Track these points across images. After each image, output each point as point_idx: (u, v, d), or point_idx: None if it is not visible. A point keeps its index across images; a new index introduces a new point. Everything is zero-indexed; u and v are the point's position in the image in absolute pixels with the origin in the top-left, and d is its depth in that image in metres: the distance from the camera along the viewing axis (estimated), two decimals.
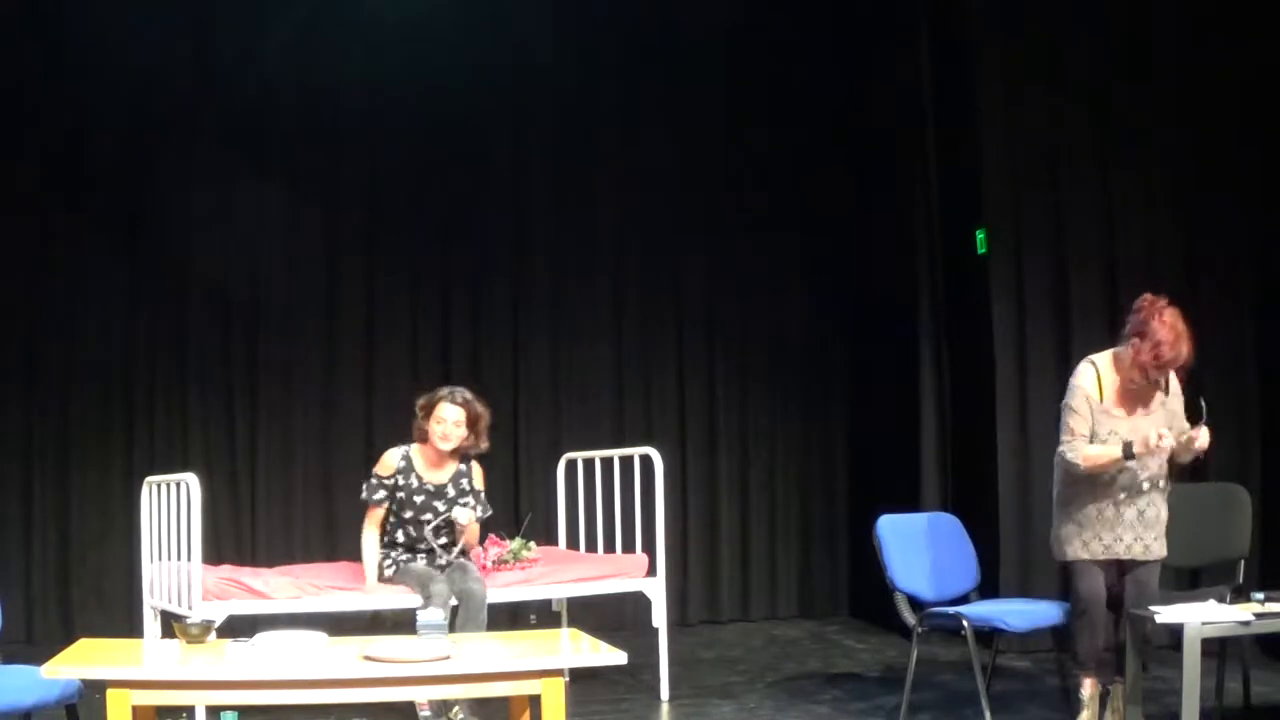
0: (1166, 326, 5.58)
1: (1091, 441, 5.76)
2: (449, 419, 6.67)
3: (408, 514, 6.69)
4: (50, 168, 8.86)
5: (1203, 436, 5.60)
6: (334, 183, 9.31)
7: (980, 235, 8.33)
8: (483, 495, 6.87)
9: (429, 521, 6.68)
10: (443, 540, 6.73)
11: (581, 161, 9.60)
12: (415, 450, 6.75)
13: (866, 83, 9.61)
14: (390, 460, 6.74)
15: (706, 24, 9.67)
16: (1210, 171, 7.94)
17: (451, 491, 6.73)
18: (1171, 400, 5.85)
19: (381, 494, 6.71)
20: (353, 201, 9.35)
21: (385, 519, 6.75)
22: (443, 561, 6.69)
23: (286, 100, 9.12)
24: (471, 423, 6.72)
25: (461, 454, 6.79)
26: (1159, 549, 5.85)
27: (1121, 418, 5.78)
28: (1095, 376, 5.81)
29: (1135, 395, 5.76)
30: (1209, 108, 7.91)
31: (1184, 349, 5.56)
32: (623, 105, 9.62)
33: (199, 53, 9.02)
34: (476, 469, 6.87)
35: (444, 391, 6.76)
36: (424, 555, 6.73)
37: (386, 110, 9.32)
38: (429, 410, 6.70)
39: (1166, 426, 5.66)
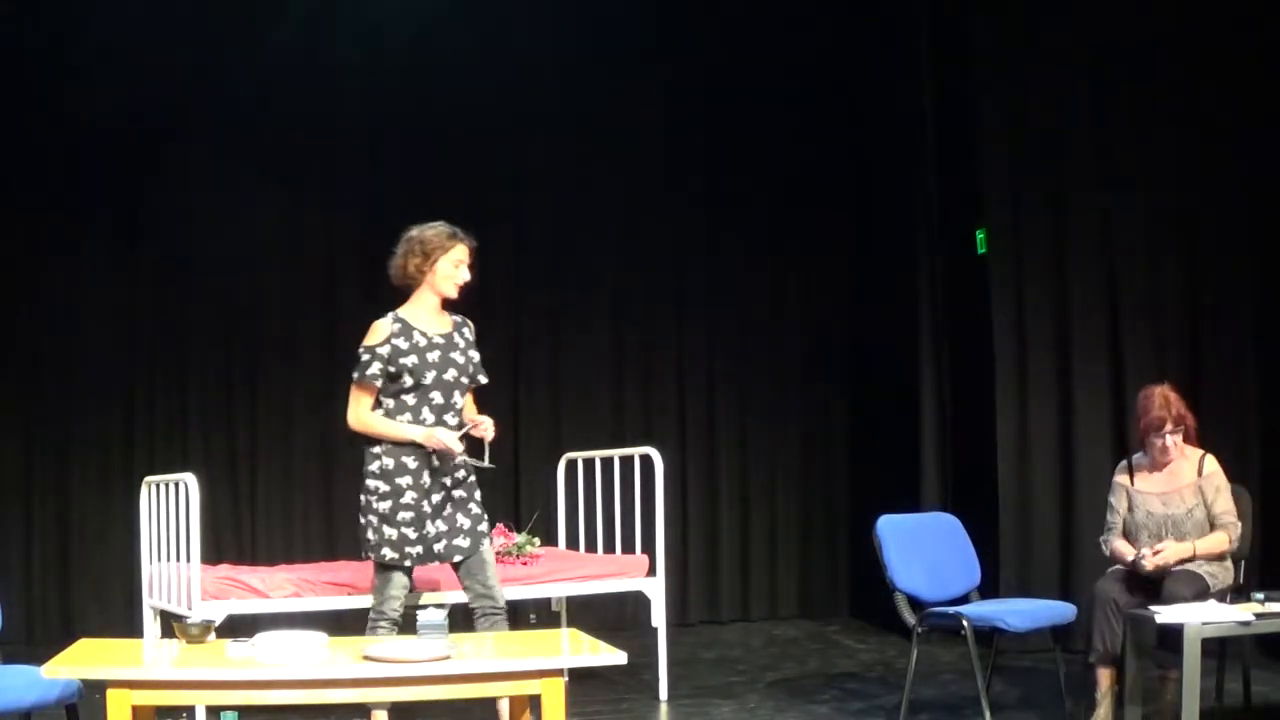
0: (1144, 400, 6.06)
1: (1127, 525, 6.09)
2: (465, 260, 5.75)
3: (428, 377, 5.57)
4: (50, 168, 8.87)
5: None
6: (334, 183, 9.32)
7: (980, 235, 8.34)
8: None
9: (454, 381, 5.64)
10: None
11: (582, 161, 9.60)
12: (404, 311, 5.69)
13: (867, 84, 9.61)
14: (381, 326, 5.61)
15: (706, 26, 9.68)
16: (1210, 171, 7.94)
17: (460, 342, 5.74)
18: (1205, 482, 6.01)
19: (376, 368, 5.56)
20: (352, 202, 9.34)
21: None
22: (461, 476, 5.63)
23: (286, 100, 9.13)
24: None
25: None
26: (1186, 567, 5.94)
27: (1154, 493, 6.05)
28: (1128, 467, 6.18)
29: (1166, 476, 6.06)
30: (1210, 107, 7.91)
31: (1161, 414, 5.97)
32: (622, 106, 9.61)
33: (199, 53, 9.02)
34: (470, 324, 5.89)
35: (446, 229, 5.72)
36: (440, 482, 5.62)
37: (386, 110, 9.32)
38: (437, 253, 5.67)
39: (1196, 503, 5.98)
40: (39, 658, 4.69)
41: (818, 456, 9.95)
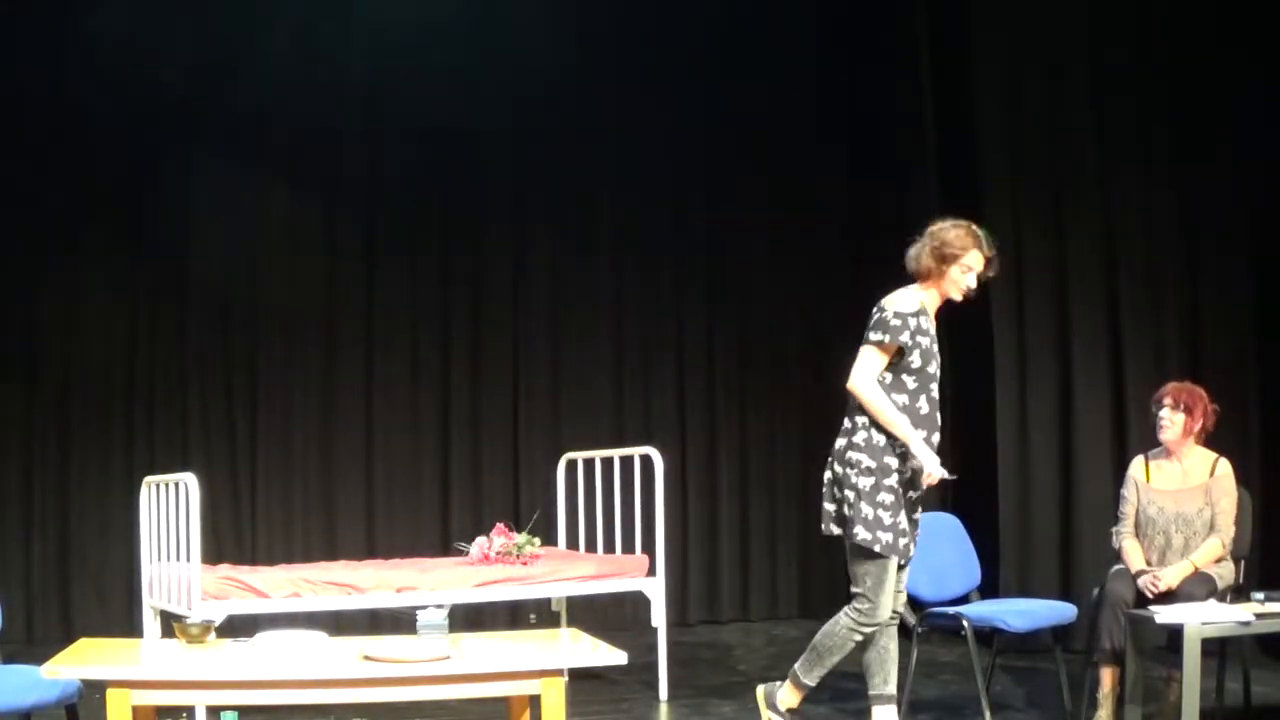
0: (1160, 393, 6.12)
1: (1139, 517, 6.09)
2: (977, 268, 5.38)
3: (933, 366, 5.32)
4: (50, 167, 8.86)
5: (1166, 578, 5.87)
6: (334, 183, 9.33)
7: None
8: None
9: (938, 376, 5.37)
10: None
11: (582, 162, 9.60)
12: (923, 294, 5.40)
13: (866, 84, 9.61)
14: (911, 296, 5.32)
15: (705, 27, 9.67)
16: (1211, 172, 7.94)
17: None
18: (1215, 484, 6.03)
19: (906, 335, 5.23)
20: (352, 202, 9.36)
21: None
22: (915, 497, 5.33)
23: (286, 100, 9.13)
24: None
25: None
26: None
27: (1167, 491, 6.08)
28: (1144, 462, 6.20)
29: (1180, 474, 6.09)
30: (1209, 107, 7.91)
31: (1169, 389, 6.06)
32: (622, 107, 9.62)
33: (199, 53, 9.02)
34: None
35: (970, 234, 5.40)
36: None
37: (387, 110, 9.33)
38: (953, 259, 5.33)
39: (1206, 503, 6.00)
40: (39, 658, 4.69)
41: (818, 457, 9.91)
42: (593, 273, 9.67)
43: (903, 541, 5.33)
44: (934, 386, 5.32)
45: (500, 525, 7.24)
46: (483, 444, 9.51)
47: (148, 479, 6.73)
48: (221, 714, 5.60)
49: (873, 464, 5.26)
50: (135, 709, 4.31)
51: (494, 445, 9.51)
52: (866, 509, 5.25)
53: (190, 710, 6.05)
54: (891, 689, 5.45)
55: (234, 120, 9.06)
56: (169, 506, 6.40)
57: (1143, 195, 8.02)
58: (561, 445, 8.78)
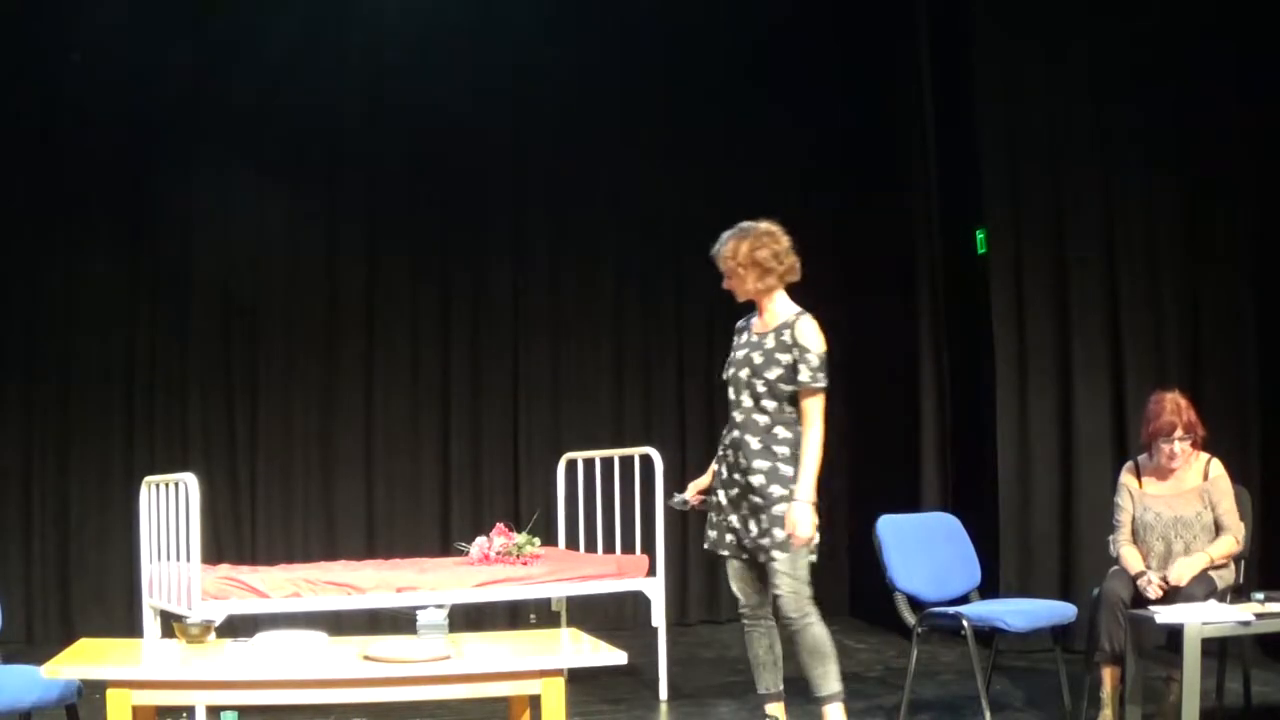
0: (1155, 404, 6.07)
1: (1136, 524, 6.09)
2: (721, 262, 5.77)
3: (727, 374, 5.74)
4: (50, 167, 8.88)
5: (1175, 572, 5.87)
6: (334, 183, 9.34)
7: (980, 235, 8.34)
8: (811, 356, 5.52)
9: (744, 380, 5.61)
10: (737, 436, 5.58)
11: (581, 162, 9.61)
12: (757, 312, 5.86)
13: (866, 83, 9.61)
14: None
15: (706, 28, 9.68)
16: (1210, 172, 7.94)
17: (770, 343, 5.63)
18: (1212, 486, 6.03)
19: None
20: (353, 201, 9.36)
21: None
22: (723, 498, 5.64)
23: (286, 100, 9.14)
24: (736, 259, 5.81)
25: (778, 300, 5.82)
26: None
27: (1161, 496, 6.06)
28: (1134, 469, 6.20)
29: (1173, 480, 6.08)
30: (1209, 107, 7.91)
31: (1171, 419, 5.98)
32: (622, 106, 9.63)
33: (199, 53, 9.03)
34: (806, 323, 5.66)
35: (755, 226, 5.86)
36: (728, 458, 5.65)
37: (386, 110, 9.34)
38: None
39: (1203, 506, 6.00)
40: (39, 658, 4.69)
41: None
42: (593, 272, 9.67)
43: (728, 538, 5.74)
44: (731, 390, 5.70)
45: (500, 525, 7.25)
46: (483, 444, 9.51)
47: (148, 479, 6.73)
48: (221, 714, 5.62)
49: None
50: (135, 709, 4.31)
51: (494, 445, 9.51)
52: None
53: (190, 710, 6.05)
54: (829, 689, 5.73)
55: (234, 119, 9.06)
56: (169, 506, 6.40)
57: (1143, 195, 8.01)
58: (561, 445, 8.78)
